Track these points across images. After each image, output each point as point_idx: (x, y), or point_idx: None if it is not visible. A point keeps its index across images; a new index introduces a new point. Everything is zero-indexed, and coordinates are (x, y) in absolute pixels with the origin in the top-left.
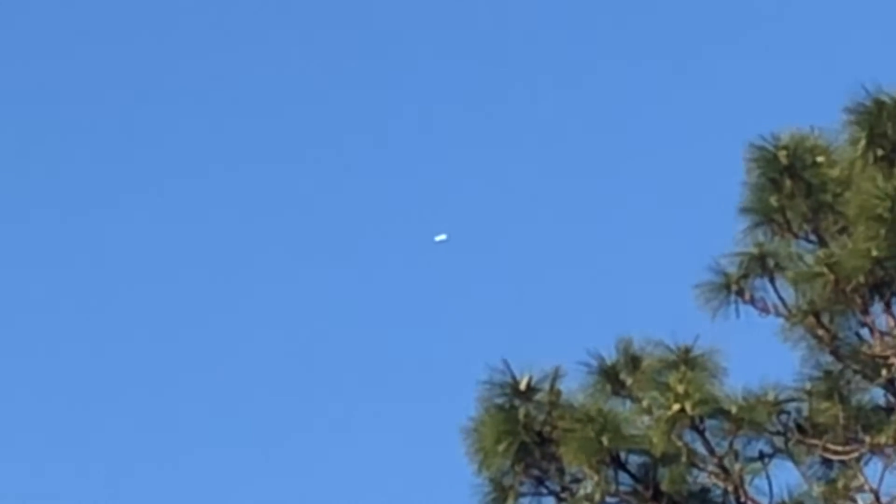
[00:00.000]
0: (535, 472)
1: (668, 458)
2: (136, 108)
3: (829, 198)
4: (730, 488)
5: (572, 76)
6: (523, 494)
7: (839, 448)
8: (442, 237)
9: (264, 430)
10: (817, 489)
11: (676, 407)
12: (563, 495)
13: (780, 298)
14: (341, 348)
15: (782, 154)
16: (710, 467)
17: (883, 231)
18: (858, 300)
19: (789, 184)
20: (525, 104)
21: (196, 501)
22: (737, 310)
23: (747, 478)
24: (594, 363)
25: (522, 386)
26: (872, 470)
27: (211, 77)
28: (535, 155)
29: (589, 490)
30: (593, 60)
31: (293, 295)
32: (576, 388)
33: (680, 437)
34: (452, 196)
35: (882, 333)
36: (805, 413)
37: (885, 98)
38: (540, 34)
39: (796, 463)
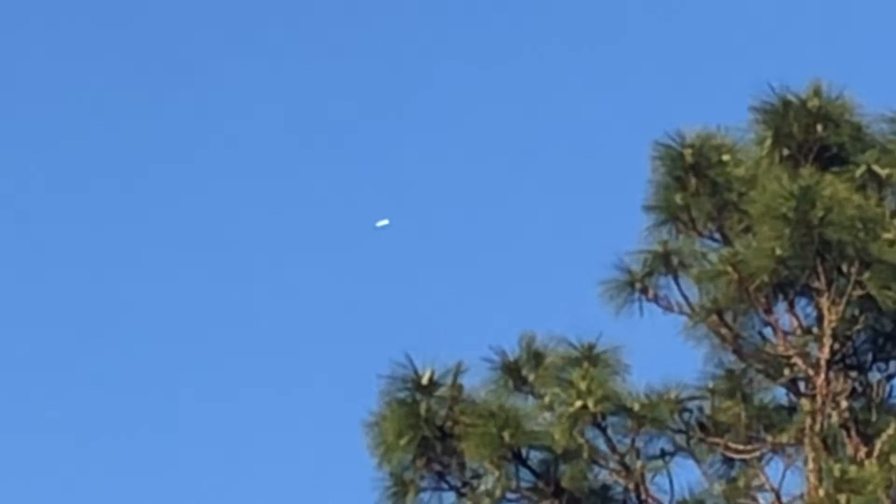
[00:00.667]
0: (437, 467)
1: (570, 455)
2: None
3: (734, 196)
4: (631, 486)
5: (478, 71)
6: (424, 489)
7: (741, 447)
8: (384, 222)
9: (166, 421)
10: (718, 488)
11: (579, 403)
12: (463, 490)
13: (684, 296)
14: (243, 340)
15: (688, 152)
16: (612, 464)
17: (787, 230)
18: (762, 299)
19: (694, 182)
20: (431, 98)
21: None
22: (640, 307)
23: (648, 475)
24: (497, 359)
25: (424, 381)
26: (774, 469)
27: None
28: (437, 150)
29: (490, 486)
30: (497, 55)
31: (188, 284)
32: (478, 383)
33: (582, 434)
34: (354, 191)
35: (785, 333)
36: (707, 411)
37: (791, 97)
38: (452, 22)
39: (698, 461)
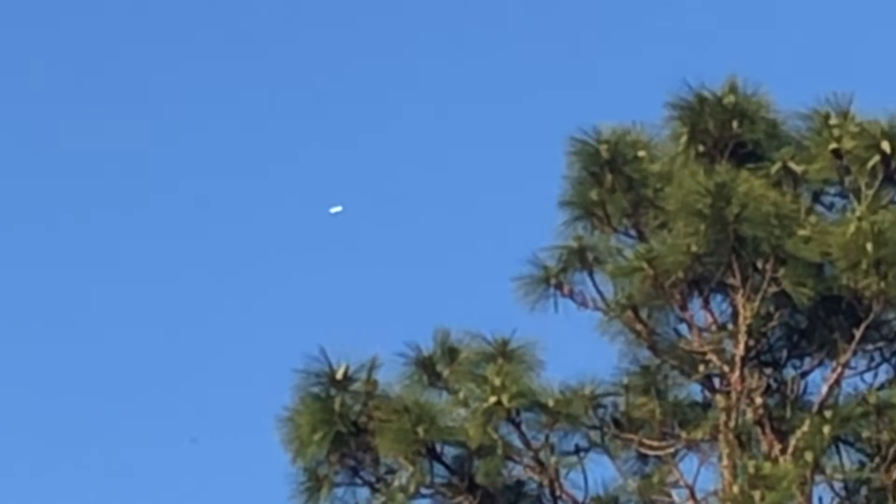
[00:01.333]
0: (351, 462)
1: (484, 451)
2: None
3: (649, 193)
4: (545, 482)
5: (390, 67)
6: (338, 484)
7: (655, 443)
8: (337, 209)
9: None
10: (632, 484)
11: (493, 399)
12: (377, 486)
13: (599, 292)
14: (153, 341)
15: (603, 148)
16: (526, 460)
17: (703, 227)
18: (677, 296)
19: (610, 178)
20: (345, 95)
21: None
22: (555, 303)
23: (563, 471)
24: (411, 354)
25: (339, 375)
26: (688, 465)
27: None
28: (353, 145)
29: (404, 481)
30: (411, 52)
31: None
32: (393, 378)
33: (496, 430)
34: (269, 187)
35: (700, 329)
36: (622, 407)
37: (706, 94)
38: (359, 20)
39: (612, 457)
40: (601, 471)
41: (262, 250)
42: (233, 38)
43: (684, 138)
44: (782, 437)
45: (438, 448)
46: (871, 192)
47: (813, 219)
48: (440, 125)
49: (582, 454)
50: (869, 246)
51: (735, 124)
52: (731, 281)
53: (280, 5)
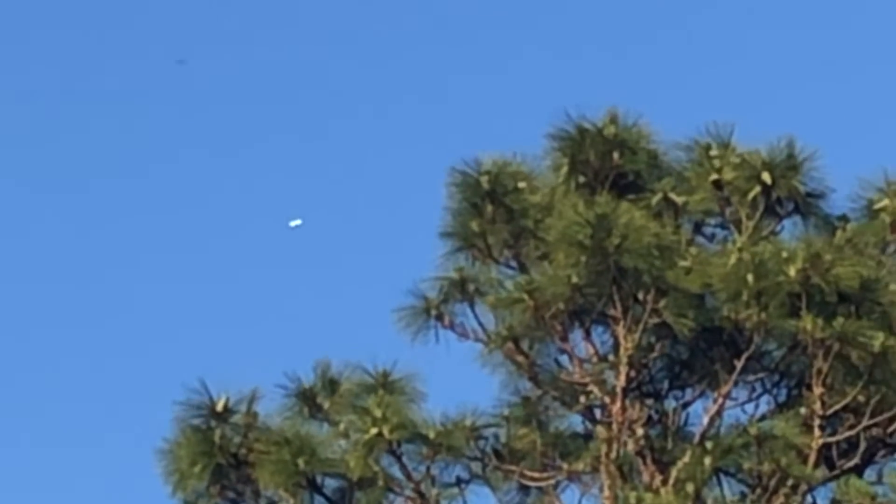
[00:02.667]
0: (231, 495)
1: (365, 483)
2: None
3: (530, 224)
4: None
5: (264, 99)
6: None
7: (536, 474)
8: (297, 222)
9: None
10: None
11: (374, 431)
12: None
13: (480, 324)
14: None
15: (484, 179)
16: (408, 492)
17: (583, 258)
18: (558, 327)
19: (490, 209)
20: (214, 127)
21: None
22: (436, 334)
23: (444, 503)
24: (292, 386)
25: (219, 407)
26: (569, 496)
27: None
28: (232, 170)
29: None
30: (287, 75)
31: None
32: (273, 410)
33: (377, 462)
34: (144, 211)
35: (581, 360)
36: (503, 439)
37: (587, 125)
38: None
39: (493, 489)
40: (482, 502)
41: (141, 279)
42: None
43: (565, 169)
44: (663, 468)
45: (319, 480)
46: (751, 223)
47: (694, 250)
48: (320, 151)
49: (463, 486)
50: (749, 277)
51: (616, 155)
52: (612, 312)
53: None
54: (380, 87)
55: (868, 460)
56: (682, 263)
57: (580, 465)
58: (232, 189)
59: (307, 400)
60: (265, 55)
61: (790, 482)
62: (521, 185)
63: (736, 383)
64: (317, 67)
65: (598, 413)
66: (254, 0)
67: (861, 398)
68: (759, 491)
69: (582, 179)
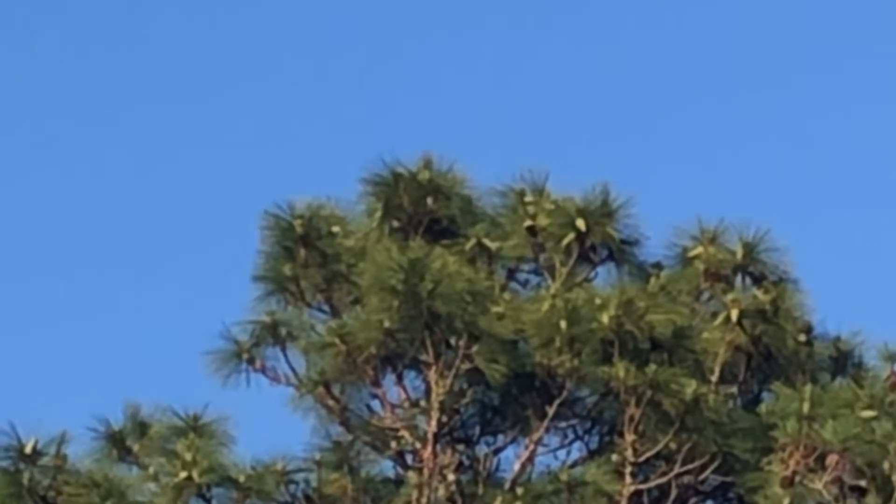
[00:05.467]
0: None
1: None
2: None
3: (343, 268)
4: None
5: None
6: None
7: None
8: None
9: None
10: None
11: (183, 474)
12: None
13: (292, 368)
14: None
15: (298, 223)
16: None
17: (396, 303)
18: (370, 371)
19: (304, 253)
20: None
21: None
22: (248, 378)
23: None
24: (101, 429)
25: (28, 449)
26: None
27: None
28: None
29: None
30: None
31: None
32: (83, 453)
33: None
34: None
35: (393, 405)
36: (314, 483)
37: (401, 170)
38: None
39: None
40: None
41: None
42: None
43: (378, 214)
44: None
45: None
46: (565, 270)
47: (507, 296)
48: (132, 188)
49: None
50: (563, 323)
51: (430, 200)
52: (424, 357)
53: None
54: (193, 127)
55: None
56: (496, 309)
57: None
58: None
59: (117, 442)
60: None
61: None
62: (335, 229)
63: (548, 429)
64: (125, 97)
65: (409, 458)
66: None
67: (673, 445)
68: None
69: (396, 224)
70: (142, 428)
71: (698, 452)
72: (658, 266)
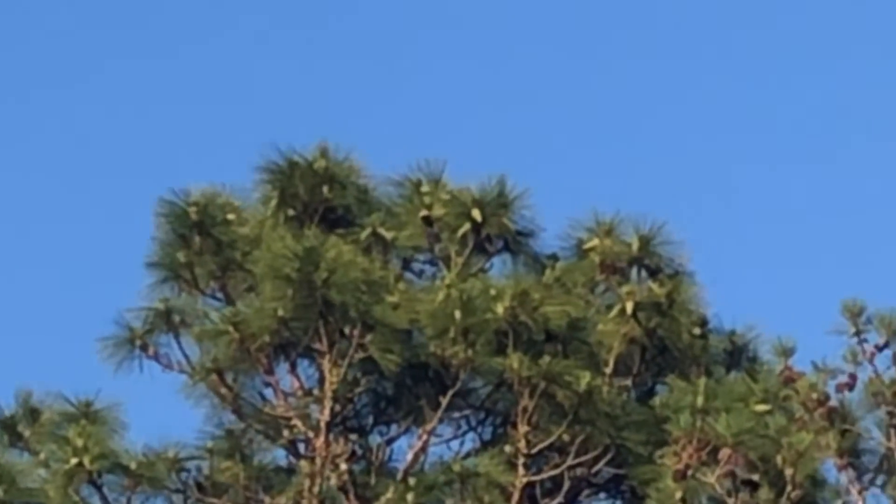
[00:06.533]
0: None
1: None
2: None
3: (237, 256)
4: None
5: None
6: None
7: None
8: None
9: None
10: None
11: (74, 461)
12: None
13: (185, 355)
14: None
15: (192, 210)
16: None
17: (290, 291)
18: (263, 360)
19: (198, 240)
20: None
21: None
22: (140, 365)
23: None
24: None
25: None
26: None
27: None
28: None
29: None
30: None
31: None
32: None
33: (77, 492)
34: None
35: (286, 394)
36: (206, 471)
37: (297, 158)
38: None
39: None
40: None
41: None
42: None
43: (274, 202)
44: (366, 503)
45: None
46: (460, 260)
47: (402, 285)
48: (14, 179)
49: None
50: (457, 314)
51: (325, 189)
52: (318, 346)
53: None
54: (88, 110)
55: (572, 499)
56: (390, 299)
57: (283, 500)
58: None
59: (7, 428)
60: None
61: None
62: (230, 216)
63: (441, 420)
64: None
65: (302, 447)
66: None
67: (566, 437)
68: None
69: (291, 213)
70: (33, 414)
71: (591, 444)
72: (554, 258)
